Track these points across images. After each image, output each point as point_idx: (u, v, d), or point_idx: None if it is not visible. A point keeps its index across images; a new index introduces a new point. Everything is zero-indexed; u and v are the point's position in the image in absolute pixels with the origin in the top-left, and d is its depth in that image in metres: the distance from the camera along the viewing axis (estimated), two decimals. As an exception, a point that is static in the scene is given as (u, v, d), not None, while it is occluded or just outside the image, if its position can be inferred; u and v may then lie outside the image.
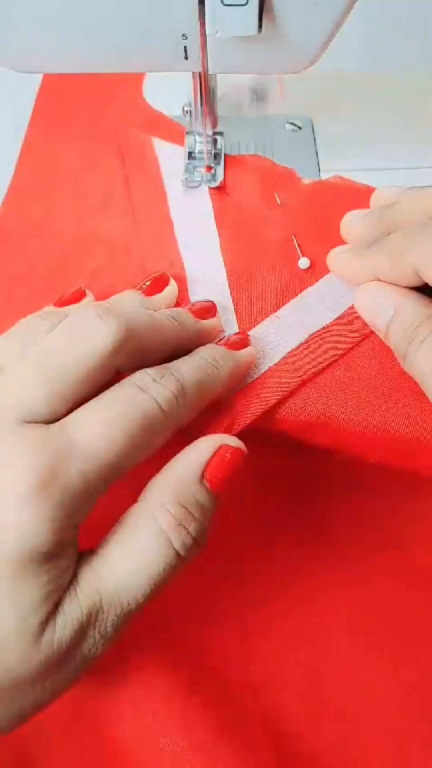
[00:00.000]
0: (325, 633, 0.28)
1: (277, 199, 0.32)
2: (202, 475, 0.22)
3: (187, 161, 0.34)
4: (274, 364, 0.27)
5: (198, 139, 0.33)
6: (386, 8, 0.40)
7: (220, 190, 0.33)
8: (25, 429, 0.20)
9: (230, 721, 0.25)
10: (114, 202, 0.34)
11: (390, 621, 0.28)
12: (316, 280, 0.29)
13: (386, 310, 0.25)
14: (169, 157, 0.34)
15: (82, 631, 0.20)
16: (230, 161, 0.34)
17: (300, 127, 0.37)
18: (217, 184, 0.33)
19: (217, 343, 0.26)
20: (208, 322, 0.27)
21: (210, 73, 0.25)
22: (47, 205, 0.34)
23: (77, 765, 0.25)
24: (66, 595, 0.20)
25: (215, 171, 0.33)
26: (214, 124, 0.32)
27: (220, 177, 0.33)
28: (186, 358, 0.25)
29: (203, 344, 0.26)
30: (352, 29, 0.24)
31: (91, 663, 0.21)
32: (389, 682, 0.27)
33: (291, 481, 0.30)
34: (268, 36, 0.24)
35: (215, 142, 0.34)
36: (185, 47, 0.24)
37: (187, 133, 0.34)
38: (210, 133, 0.33)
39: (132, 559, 0.21)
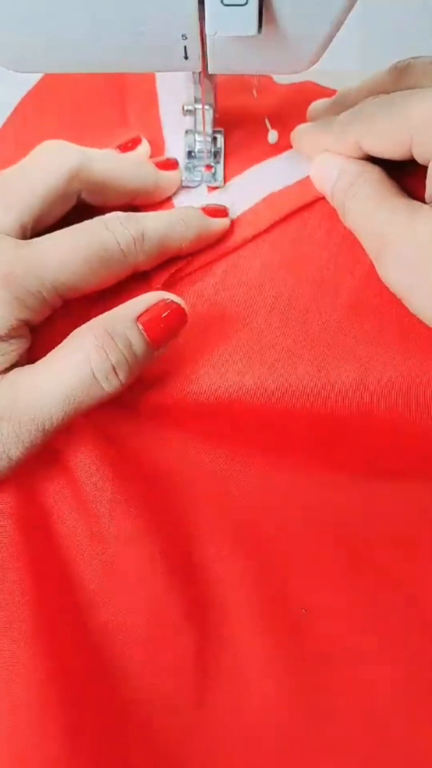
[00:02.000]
0: None
1: (254, 93, 0.35)
2: (137, 318, 0.24)
3: (187, 160, 0.34)
4: (235, 218, 0.31)
5: (198, 138, 0.33)
6: (386, 8, 0.40)
7: None
8: None
9: None
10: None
11: None
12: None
13: (331, 174, 0.29)
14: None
15: None
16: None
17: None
18: (217, 183, 0.33)
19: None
20: (168, 173, 0.31)
21: (210, 73, 0.25)
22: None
23: None
24: None
25: (215, 170, 0.33)
26: (215, 124, 0.32)
27: (220, 176, 0.33)
28: (159, 212, 0.29)
29: (164, 193, 0.31)
30: (352, 29, 0.24)
31: (7, 466, 0.23)
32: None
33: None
34: (267, 36, 0.24)
35: (215, 140, 0.34)
36: (185, 47, 0.24)
37: (187, 132, 0.34)
38: (210, 131, 0.33)
39: (52, 371, 0.23)
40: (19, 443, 0.22)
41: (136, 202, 0.31)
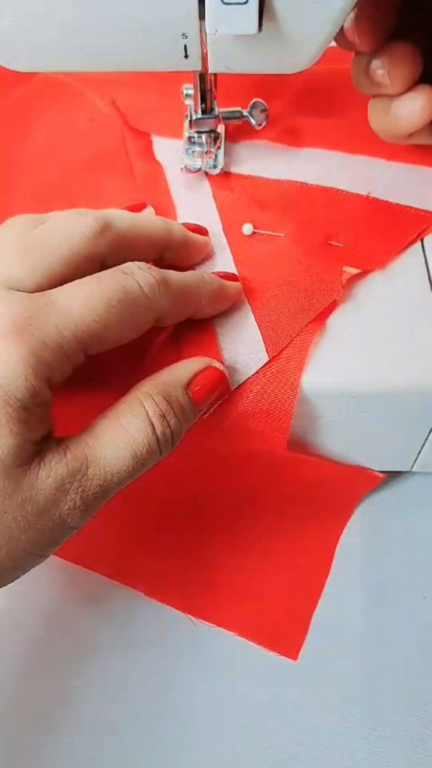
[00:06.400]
0: None
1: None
2: (188, 385, 0.24)
3: (187, 146, 0.34)
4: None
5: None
6: None
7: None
8: (8, 291, 0.22)
9: None
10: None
11: None
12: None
13: None
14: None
15: (63, 489, 0.21)
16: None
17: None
18: (217, 171, 0.33)
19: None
20: (198, 236, 0.30)
21: (210, 72, 0.25)
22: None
23: None
24: (53, 451, 0.21)
25: (215, 156, 0.33)
26: (215, 124, 0.32)
27: (220, 163, 0.33)
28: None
29: (193, 257, 0.29)
30: (352, 28, 0.24)
31: (69, 532, 0.22)
32: None
33: None
34: (268, 35, 0.23)
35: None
36: (185, 46, 0.24)
37: (186, 116, 0.34)
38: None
39: (118, 435, 0.22)
40: (85, 511, 0.22)
41: (163, 263, 0.28)
